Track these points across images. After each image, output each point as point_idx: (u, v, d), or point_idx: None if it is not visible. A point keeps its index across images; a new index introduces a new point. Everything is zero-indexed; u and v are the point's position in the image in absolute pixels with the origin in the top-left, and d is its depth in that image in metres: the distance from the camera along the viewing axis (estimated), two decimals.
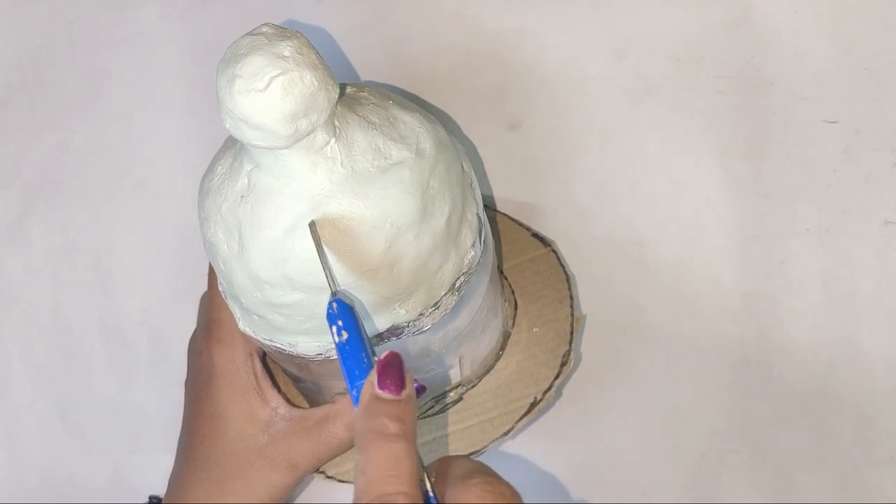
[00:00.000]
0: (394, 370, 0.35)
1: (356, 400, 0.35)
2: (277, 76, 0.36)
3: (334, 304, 0.37)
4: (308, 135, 0.37)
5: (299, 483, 0.50)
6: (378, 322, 0.42)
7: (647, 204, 0.57)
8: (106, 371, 0.60)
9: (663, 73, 0.59)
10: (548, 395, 0.53)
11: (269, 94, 0.36)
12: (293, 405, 0.50)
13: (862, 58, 0.58)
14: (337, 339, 0.37)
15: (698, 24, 0.59)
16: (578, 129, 0.59)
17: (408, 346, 0.45)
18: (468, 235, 0.43)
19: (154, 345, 0.60)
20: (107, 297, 0.61)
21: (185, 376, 0.53)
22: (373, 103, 0.41)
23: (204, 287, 0.53)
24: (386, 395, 0.34)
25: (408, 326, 0.42)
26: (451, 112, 0.60)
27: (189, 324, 0.54)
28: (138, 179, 0.63)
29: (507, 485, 0.32)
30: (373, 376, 0.35)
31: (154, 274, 0.61)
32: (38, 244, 0.62)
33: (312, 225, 0.39)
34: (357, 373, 0.36)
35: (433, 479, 0.34)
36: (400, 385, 0.34)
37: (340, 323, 0.37)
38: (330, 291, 0.38)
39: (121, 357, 0.60)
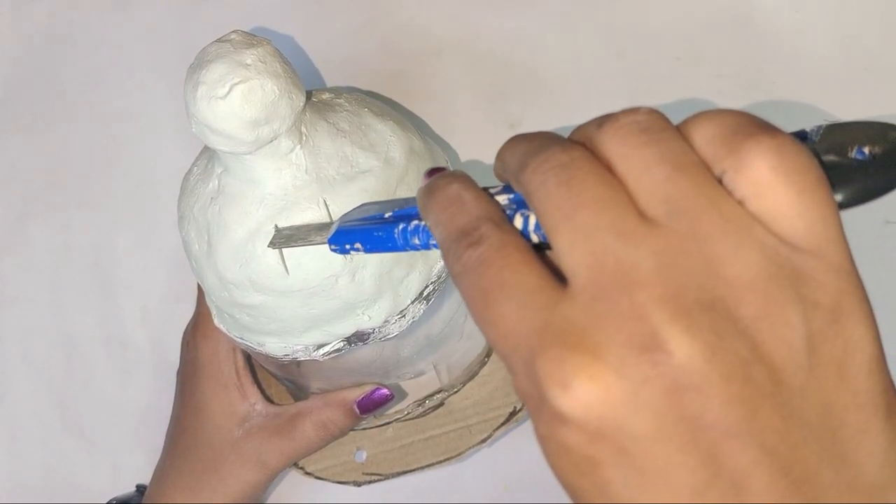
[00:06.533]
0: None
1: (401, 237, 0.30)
2: (238, 84, 0.36)
3: (331, 246, 0.33)
4: (271, 141, 0.37)
5: (271, 481, 0.51)
6: (343, 327, 0.42)
7: None
8: (106, 371, 0.60)
9: (663, 73, 0.59)
10: None
11: (230, 102, 0.36)
12: (272, 402, 0.50)
13: (862, 58, 0.58)
14: (364, 252, 0.32)
15: (698, 24, 0.59)
16: None
17: (376, 350, 0.44)
18: None
19: (154, 345, 0.60)
20: (106, 297, 0.61)
21: None
22: (347, 110, 0.41)
23: None
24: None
25: (373, 332, 0.42)
26: (451, 112, 0.60)
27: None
28: (138, 179, 0.63)
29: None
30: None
31: (154, 274, 0.61)
32: (38, 244, 0.62)
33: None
34: (389, 244, 0.31)
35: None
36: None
37: (347, 246, 0.32)
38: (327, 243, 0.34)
39: (121, 357, 0.60)
